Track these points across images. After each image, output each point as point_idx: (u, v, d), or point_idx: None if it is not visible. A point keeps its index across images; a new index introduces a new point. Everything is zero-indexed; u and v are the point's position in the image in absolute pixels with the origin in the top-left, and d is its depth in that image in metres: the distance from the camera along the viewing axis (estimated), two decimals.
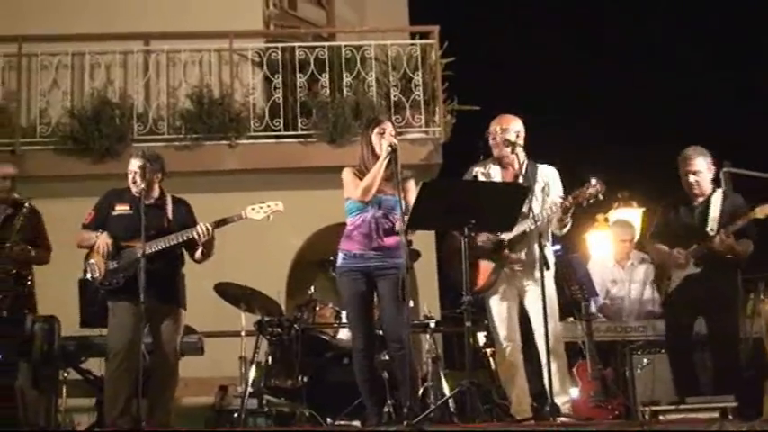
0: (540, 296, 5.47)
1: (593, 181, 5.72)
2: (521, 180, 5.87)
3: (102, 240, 6.07)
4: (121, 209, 6.19)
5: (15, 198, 6.70)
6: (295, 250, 10.00)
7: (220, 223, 6.09)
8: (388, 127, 5.88)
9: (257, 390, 6.85)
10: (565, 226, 5.89)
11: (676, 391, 6.47)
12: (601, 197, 5.74)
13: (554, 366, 5.57)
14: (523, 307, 5.91)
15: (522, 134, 6.00)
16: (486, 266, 5.86)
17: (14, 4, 10.29)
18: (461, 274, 5.47)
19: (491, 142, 6.02)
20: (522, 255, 5.85)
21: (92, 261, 6.14)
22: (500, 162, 6.03)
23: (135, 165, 6.17)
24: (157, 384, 6.03)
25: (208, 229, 6.04)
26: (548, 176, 6.00)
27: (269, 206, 6.17)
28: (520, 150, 5.92)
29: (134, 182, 6.14)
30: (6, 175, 6.78)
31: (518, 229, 5.75)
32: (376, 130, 5.86)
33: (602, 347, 7.07)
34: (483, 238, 5.84)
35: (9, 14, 10.20)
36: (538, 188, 5.91)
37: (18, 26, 10.08)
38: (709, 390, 6.34)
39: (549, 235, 5.98)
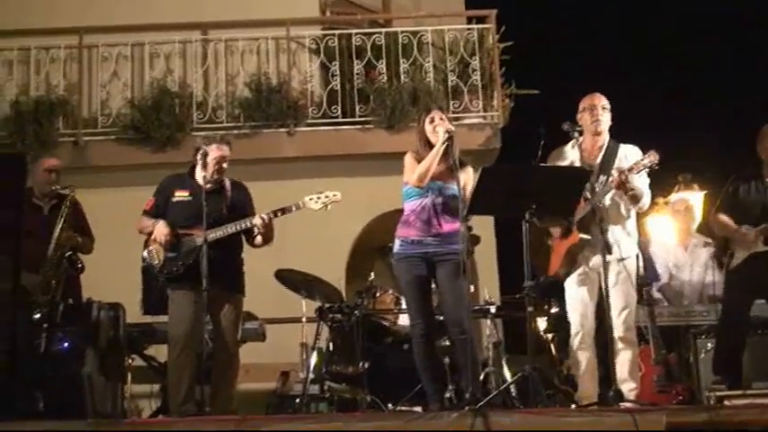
0: (615, 281, 5.43)
1: (651, 152, 5.66)
2: (598, 160, 5.82)
3: (160, 230, 6.11)
4: (181, 195, 6.22)
5: (59, 190, 6.78)
6: (354, 237, 10.02)
7: (279, 213, 6.12)
8: (438, 114, 5.88)
9: (318, 376, 6.88)
10: (635, 199, 5.81)
11: (714, 368, 6.38)
12: (656, 167, 5.67)
13: (625, 354, 5.52)
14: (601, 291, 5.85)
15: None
16: (563, 248, 5.82)
17: None
18: (542, 258, 5.46)
19: (590, 118, 5.94)
20: (589, 236, 5.78)
21: (151, 249, 6.19)
22: (580, 143, 5.97)
23: (226, 150, 6.22)
24: (219, 371, 6.08)
25: (265, 220, 6.07)
26: (630, 156, 5.90)
27: (327, 196, 6.19)
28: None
29: (220, 170, 6.19)
30: (51, 167, 6.87)
31: (584, 210, 5.70)
32: (426, 119, 5.87)
33: (666, 332, 6.98)
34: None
35: (70, 7, 10.34)
36: (617, 167, 5.83)
37: (79, 18, 10.21)
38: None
39: (628, 214, 5.91)
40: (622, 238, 5.85)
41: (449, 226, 5.70)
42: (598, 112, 5.94)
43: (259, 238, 6.21)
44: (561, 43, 16.06)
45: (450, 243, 5.66)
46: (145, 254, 6.22)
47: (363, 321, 6.98)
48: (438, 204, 5.73)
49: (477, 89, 10.15)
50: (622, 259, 5.81)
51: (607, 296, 5.48)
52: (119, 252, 7.83)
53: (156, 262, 6.16)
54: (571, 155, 5.99)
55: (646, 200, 5.91)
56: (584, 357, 5.85)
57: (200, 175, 6.22)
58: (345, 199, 6.27)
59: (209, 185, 6.18)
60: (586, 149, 5.97)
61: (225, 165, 6.23)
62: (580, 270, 5.87)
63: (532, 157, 6.08)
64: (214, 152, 6.20)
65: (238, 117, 10.08)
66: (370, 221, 9.98)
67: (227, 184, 6.32)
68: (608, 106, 5.99)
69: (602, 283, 5.66)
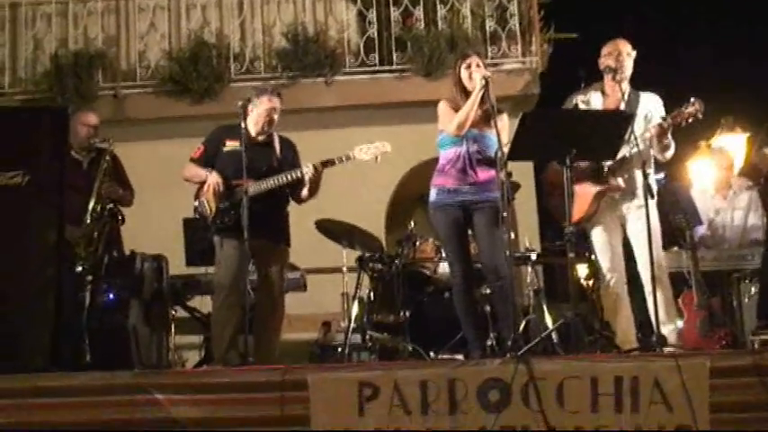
0: (643, 225, 5.36)
1: (692, 99, 5.57)
2: (622, 107, 5.74)
3: (213, 180, 6.08)
4: (232, 145, 6.14)
5: (98, 144, 6.80)
6: (393, 186, 10.01)
7: (328, 163, 6.07)
8: (475, 60, 5.79)
9: (360, 325, 6.90)
10: (666, 149, 5.74)
11: (758, 313, 6.33)
12: (700, 116, 5.58)
13: (659, 296, 5.47)
14: (627, 236, 5.81)
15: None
16: (585, 196, 5.76)
17: None
18: (559, 204, 5.41)
19: (613, 63, 5.85)
20: (621, 182, 5.74)
21: (202, 200, 6.17)
22: (601, 89, 5.90)
23: (276, 102, 6.20)
24: (263, 321, 6.10)
25: (316, 169, 6.04)
26: (650, 104, 5.84)
27: (377, 147, 6.14)
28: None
29: (271, 122, 6.18)
30: (89, 123, 6.88)
31: (618, 155, 5.64)
32: (463, 65, 5.78)
33: (709, 277, 6.92)
34: (582, 164, 5.74)
35: None
36: (640, 115, 5.76)
37: None
38: None
39: (652, 162, 5.85)
40: (651, 181, 5.77)
41: (485, 174, 5.66)
42: (623, 58, 5.85)
43: (305, 191, 6.15)
44: None
45: (486, 191, 5.63)
46: (196, 203, 6.21)
47: (404, 270, 6.97)
48: (473, 153, 5.68)
49: (516, 34, 10.06)
50: (642, 206, 5.74)
51: (649, 236, 5.39)
52: (159, 204, 7.91)
53: (209, 212, 6.14)
54: (594, 99, 5.91)
55: (672, 151, 5.83)
56: (619, 301, 5.82)
57: (250, 126, 6.18)
58: None
59: (260, 137, 6.17)
60: (610, 95, 5.89)
61: (275, 116, 6.20)
62: (605, 215, 5.82)
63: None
64: (265, 103, 6.17)
65: (276, 68, 10.07)
66: (409, 170, 9.95)
67: (277, 138, 6.30)
68: (632, 53, 5.89)
69: (629, 227, 5.67)
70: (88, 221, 6.37)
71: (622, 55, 5.84)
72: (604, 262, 5.83)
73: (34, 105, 9.58)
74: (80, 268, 6.20)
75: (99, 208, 6.44)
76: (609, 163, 5.68)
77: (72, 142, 6.61)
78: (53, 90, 9.82)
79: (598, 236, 5.85)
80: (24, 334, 5.11)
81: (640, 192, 5.54)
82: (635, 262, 5.75)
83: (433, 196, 5.80)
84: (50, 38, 10.26)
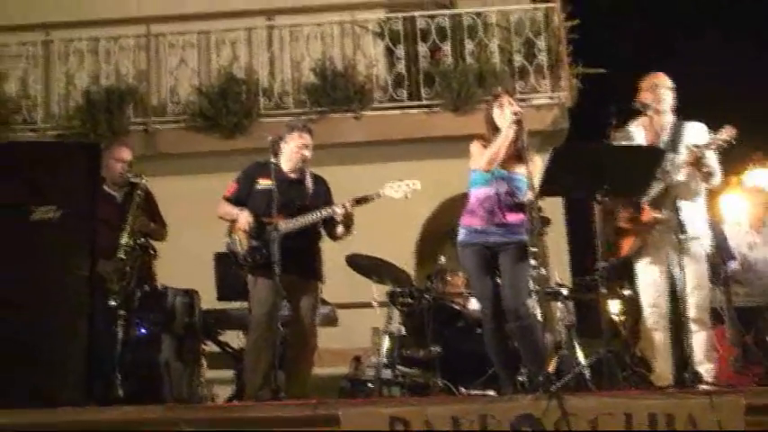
0: (687, 261, 5.35)
1: (726, 126, 5.59)
2: (665, 139, 5.74)
3: (244, 218, 6.12)
4: (265, 183, 6.19)
5: (131, 178, 6.85)
6: (422, 220, 10.00)
7: (359, 201, 6.09)
8: (506, 98, 5.83)
9: (390, 360, 6.89)
10: (709, 176, 5.73)
11: None
12: (734, 143, 5.59)
13: (699, 336, 5.44)
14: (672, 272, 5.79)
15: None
16: (633, 229, 5.77)
17: None
18: (611, 238, 5.41)
19: (651, 97, 5.87)
20: (663, 215, 5.72)
21: (234, 237, 6.21)
22: (643, 124, 5.89)
23: (307, 138, 6.24)
24: (295, 357, 6.12)
25: (347, 208, 6.06)
26: (695, 133, 5.82)
27: (407, 185, 6.16)
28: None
29: (303, 158, 6.21)
30: (122, 157, 6.93)
31: (656, 189, 5.63)
32: (495, 104, 5.84)
33: (742, 312, 6.87)
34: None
35: None
36: (684, 146, 5.75)
37: (146, 8, 10.34)
38: None
39: (699, 193, 5.82)
40: (694, 216, 5.76)
41: (513, 216, 5.68)
42: (661, 92, 5.87)
43: (340, 228, 6.18)
44: (628, 20, 15.83)
45: (513, 233, 5.65)
46: (229, 241, 6.25)
47: (434, 305, 6.97)
48: (503, 194, 5.70)
49: (544, 69, 10.06)
50: (694, 238, 5.72)
51: (679, 276, 5.40)
52: (191, 239, 7.94)
53: (240, 250, 6.18)
54: (636, 135, 5.91)
55: (717, 177, 5.83)
56: (659, 338, 5.79)
57: (283, 163, 6.23)
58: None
59: (292, 174, 6.21)
60: (651, 129, 5.89)
61: (307, 152, 6.24)
62: (651, 250, 5.80)
63: (602, 136, 6.00)
64: (295, 139, 6.22)
65: (305, 102, 10.11)
66: (438, 205, 9.95)
67: (309, 175, 6.33)
68: (671, 85, 5.90)
69: (675, 263, 5.61)
70: (121, 256, 6.42)
71: (660, 88, 5.87)
72: (647, 297, 5.81)
73: (67, 140, 9.68)
74: (113, 303, 6.24)
75: (131, 242, 6.49)
76: (650, 196, 5.67)
77: (105, 177, 6.67)
78: (85, 125, 9.92)
79: (641, 270, 5.83)
80: (57, 368, 5.14)
81: (688, 226, 5.53)
82: (675, 298, 5.71)
83: (462, 236, 5.83)
84: (82, 74, 10.39)
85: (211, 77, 10.27)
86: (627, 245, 5.79)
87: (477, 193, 5.79)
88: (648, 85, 5.91)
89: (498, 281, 5.85)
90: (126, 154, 6.96)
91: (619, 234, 5.87)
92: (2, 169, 5.37)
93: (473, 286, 6.05)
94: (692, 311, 5.60)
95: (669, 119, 5.86)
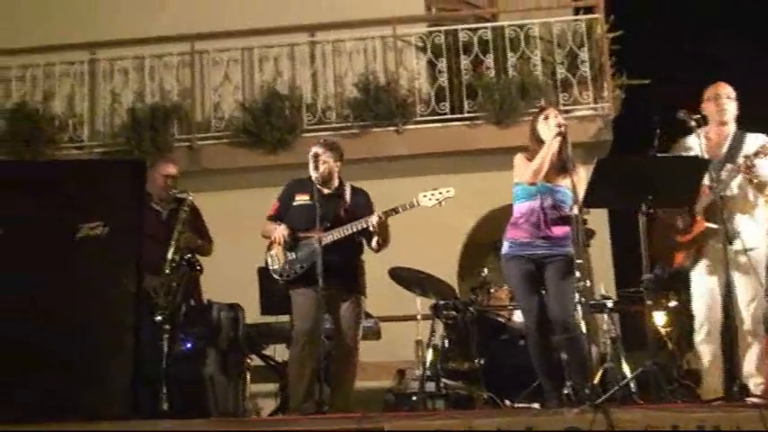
0: (742, 272, 5.30)
1: None
2: (723, 150, 5.69)
3: (279, 233, 6.18)
4: (301, 199, 6.28)
5: (177, 194, 6.92)
6: (466, 233, 9.99)
7: (392, 212, 6.09)
8: (552, 112, 5.84)
9: (434, 373, 6.87)
10: (762, 188, 5.67)
11: None
12: None
13: (752, 348, 5.38)
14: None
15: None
16: (687, 240, 5.73)
17: (187, 5, 10.65)
18: (666, 250, 5.37)
19: (713, 108, 5.84)
20: (716, 226, 5.64)
21: (272, 253, 6.27)
22: (705, 134, 5.85)
23: (320, 151, 6.27)
24: (339, 370, 6.14)
25: (382, 218, 6.07)
26: (755, 144, 5.74)
27: (440, 193, 6.15)
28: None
29: (318, 169, 6.23)
30: (168, 173, 7.00)
31: (709, 199, 5.58)
32: (540, 117, 5.83)
33: None
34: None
35: (182, 15, 10.57)
36: (741, 158, 5.69)
37: (190, 25, 10.44)
38: None
39: (756, 203, 5.77)
40: (749, 227, 5.70)
41: (558, 229, 5.67)
42: (723, 102, 5.83)
43: (374, 243, 6.20)
44: (672, 30, 15.69)
45: (559, 246, 5.64)
46: (267, 258, 6.30)
47: (478, 317, 6.97)
48: (547, 207, 5.69)
49: (587, 81, 10.00)
50: (749, 249, 5.65)
51: (733, 288, 5.35)
52: (235, 253, 7.97)
53: (277, 266, 6.23)
54: (694, 145, 5.86)
55: None
56: (710, 351, 5.72)
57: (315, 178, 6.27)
58: (456, 195, 6.23)
59: (325, 189, 6.25)
60: (711, 139, 5.84)
61: (321, 165, 6.23)
62: (706, 260, 5.75)
63: (645, 147, 5.97)
64: (311, 152, 6.29)
65: (347, 117, 10.16)
66: (481, 217, 9.94)
67: (348, 188, 6.38)
68: (733, 95, 5.87)
69: (727, 275, 5.55)
70: (167, 271, 6.49)
71: (722, 98, 5.84)
72: (700, 308, 5.74)
73: (113, 158, 9.81)
74: (159, 317, 6.30)
75: (177, 258, 6.56)
76: (703, 206, 5.63)
77: (152, 193, 6.73)
78: (130, 142, 10.04)
79: (697, 280, 5.77)
80: (105, 381, 5.19)
81: (740, 236, 5.48)
82: (727, 309, 5.65)
83: (506, 248, 5.82)
84: (127, 91, 10.52)
85: (255, 93, 10.35)
86: (680, 256, 5.73)
87: (521, 207, 5.78)
88: (711, 95, 5.88)
89: (543, 293, 5.83)
90: (171, 169, 7.03)
91: (672, 245, 5.82)
92: (49, 187, 5.43)
93: (517, 299, 6.03)
94: (747, 323, 5.55)
95: (731, 129, 5.81)
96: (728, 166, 5.64)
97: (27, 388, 5.07)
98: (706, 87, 6.00)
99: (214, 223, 7.24)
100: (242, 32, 10.45)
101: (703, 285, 5.75)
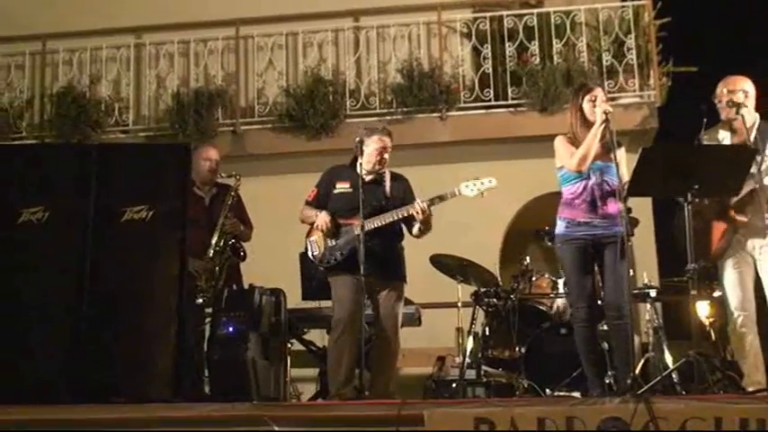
0: None
1: None
2: (750, 142, 5.62)
3: (322, 219, 6.18)
4: (342, 187, 6.27)
5: (223, 179, 6.98)
6: (508, 220, 9.99)
7: (435, 201, 6.08)
8: (599, 93, 5.74)
9: (475, 360, 6.89)
10: None
11: None
12: None
13: None
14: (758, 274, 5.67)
15: (752, 94, 5.74)
16: (717, 232, 5.66)
17: None
18: (700, 240, 5.33)
19: (718, 105, 5.78)
20: (747, 217, 5.60)
21: (312, 239, 6.28)
22: (729, 126, 5.78)
23: (387, 141, 6.25)
24: (379, 356, 6.14)
25: (423, 207, 6.05)
26: None
27: (482, 183, 6.12)
28: (746, 111, 5.65)
29: (382, 161, 6.24)
30: (210, 157, 7.04)
31: (744, 190, 5.52)
32: (587, 97, 5.72)
33: None
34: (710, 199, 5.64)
35: (227, 1, 10.63)
36: None
37: (235, 10, 10.50)
38: None
39: None
40: None
41: (614, 207, 5.59)
42: (723, 101, 5.73)
43: (416, 229, 6.19)
44: (720, 16, 15.49)
45: (615, 225, 5.57)
46: (307, 244, 6.31)
47: (519, 305, 6.97)
48: (601, 184, 5.63)
49: (633, 68, 9.92)
50: None
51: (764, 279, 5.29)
52: (277, 238, 8.05)
53: (317, 252, 6.24)
54: (723, 137, 5.79)
55: None
56: (747, 341, 5.65)
57: (362, 164, 6.25)
58: (499, 183, 6.21)
59: (369, 177, 6.24)
60: (737, 131, 5.76)
61: (386, 155, 6.26)
62: (736, 252, 5.69)
63: (692, 136, 5.91)
64: (376, 142, 6.22)
65: (391, 103, 10.14)
66: (523, 205, 9.92)
67: (388, 175, 6.35)
68: (747, 88, 5.75)
69: (761, 264, 5.56)
70: (211, 255, 6.55)
71: (743, 90, 5.73)
72: (733, 300, 5.68)
73: (158, 142, 9.90)
74: (201, 300, 6.35)
75: (222, 243, 6.61)
76: (735, 199, 5.57)
77: (194, 178, 6.79)
78: (175, 127, 10.13)
79: (728, 273, 5.70)
80: (149, 364, 5.27)
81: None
82: (764, 300, 5.60)
83: (562, 229, 5.72)
84: (173, 76, 10.62)
85: (298, 79, 10.39)
86: (713, 246, 5.68)
87: (573, 188, 5.70)
88: (731, 88, 5.77)
89: (596, 279, 5.78)
90: (213, 153, 7.09)
91: (706, 235, 5.76)
92: (94, 171, 5.50)
93: (569, 282, 5.91)
94: None
95: (755, 119, 5.72)
96: (758, 158, 5.55)
97: (72, 372, 5.16)
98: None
99: (257, 208, 7.30)
100: (286, 17, 10.48)
101: (734, 277, 5.68)
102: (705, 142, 5.76)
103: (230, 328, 6.34)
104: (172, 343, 5.32)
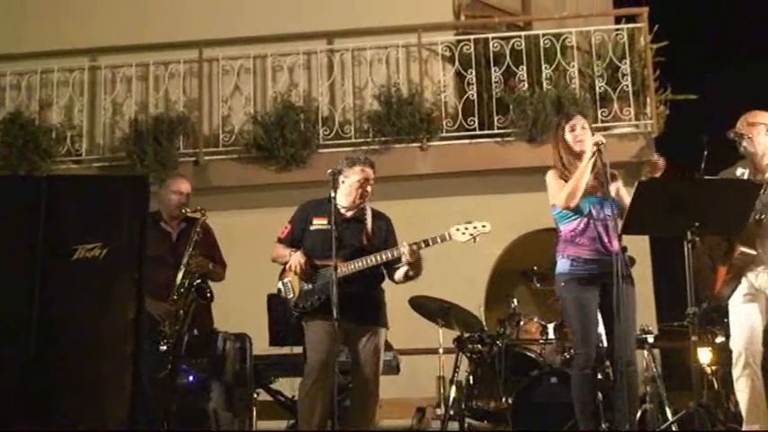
0: None
1: None
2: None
3: (296, 260, 6.13)
4: (319, 223, 6.23)
5: (189, 213, 6.90)
6: (494, 260, 9.98)
7: (422, 244, 6.02)
8: (580, 122, 5.81)
9: (458, 412, 6.88)
10: None
11: None
12: None
13: None
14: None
15: None
16: (724, 268, 5.72)
17: (193, 9, 10.76)
18: (705, 282, 5.37)
19: (738, 140, 5.85)
20: (755, 252, 5.65)
21: (286, 281, 6.23)
22: (752, 162, 5.84)
23: (370, 173, 6.24)
24: (356, 407, 6.13)
25: (412, 250, 5.97)
26: None
27: (475, 227, 6.09)
28: (748, 142, 5.74)
29: (363, 195, 6.23)
30: (180, 190, 6.98)
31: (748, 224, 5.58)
32: (567, 127, 5.80)
33: None
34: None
35: (189, 21, 10.67)
36: None
37: (198, 32, 10.52)
38: None
39: None
40: None
41: (616, 243, 5.60)
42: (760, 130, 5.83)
43: (401, 272, 6.14)
44: (720, 42, 15.68)
45: (624, 262, 5.60)
46: (280, 285, 6.26)
47: (506, 352, 6.96)
48: (604, 219, 5.67)
49: (628, 95, 10.00)
50: None
51: None
52: (243, 278, 7.99)
53: (291, 295, 6.20)
54: (741, 172, 5.86)
55: None
56: (748, 385, 5.68)
57: (340, 199, 6.24)
58: (484, 219, 6.21)
59: (349, 213, 6.24)
60: (755, 164, 5.84)
61: (369, 188, 6.24)
62: (745, 288, 5.73)
63: (693, 169, 5.97)
64: (357, 174, 6.21)
65: (367, 132, 10.16)
66: (510, 243, 9.93)
67: (369, 212, 6.34)
68: (758, 121, 5.84)
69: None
70: (174, 297, 6.46)
71: (757, 126, 5.81)
72: (738, 337, 5.72)
73: (113, 173, 9.88)
74: (163, 347, 6.28)
75: (187, 283, 6.52)
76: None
77: (162, 212, 6.75)
78: (132, 157, 10.09)
79: (734, 309, 5.76)
80: (102, 415, 5.22)
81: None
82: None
83: (566, 267, 5.74)
84: (130, 102, 10.61)
85: (267, 105, 10.39)
86: (719, 284, 5.72)
87: (572, 225, 5.75)
88: (746, 120, 5.86)
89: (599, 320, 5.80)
90: (184, 186, 7.01)
91: (712, 274, 5.81)
92: (43, 204, 5.47)
93: (571, 325, 5.93)
94: None
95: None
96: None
97: (15, 423, 5.10)
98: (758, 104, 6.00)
99: (222, 245, 7.25)
100: (254, 39, 10.50)
101: (741, 313, 5.73)
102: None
103: (190, 377, 6.30)
104: (126, 393, 5.27)
